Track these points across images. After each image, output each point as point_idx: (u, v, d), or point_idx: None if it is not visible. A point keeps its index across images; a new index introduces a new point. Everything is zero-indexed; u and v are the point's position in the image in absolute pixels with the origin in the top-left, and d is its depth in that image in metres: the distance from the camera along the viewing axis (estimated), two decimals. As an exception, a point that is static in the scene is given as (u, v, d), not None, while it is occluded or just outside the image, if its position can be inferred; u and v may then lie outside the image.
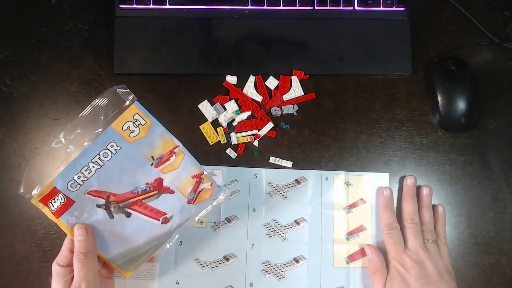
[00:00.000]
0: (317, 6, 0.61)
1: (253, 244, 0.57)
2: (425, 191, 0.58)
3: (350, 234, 0.58)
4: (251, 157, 0.60)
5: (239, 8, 0.61)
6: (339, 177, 0.59)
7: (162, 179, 0.52)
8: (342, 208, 0.58)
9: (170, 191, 0.52)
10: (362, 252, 0.57)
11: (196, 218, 0.54)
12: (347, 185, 0.59)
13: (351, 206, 0.59)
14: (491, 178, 0.60)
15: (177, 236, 0.52)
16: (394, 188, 0.59)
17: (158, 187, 0.52)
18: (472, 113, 0.60)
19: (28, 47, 0.62)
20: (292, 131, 0.61)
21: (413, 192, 0.57)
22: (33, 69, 0.61)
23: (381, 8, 0.61)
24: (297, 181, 0.59)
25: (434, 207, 0.58)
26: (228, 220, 0.57)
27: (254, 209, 0.58)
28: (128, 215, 0.51)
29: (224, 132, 0.60)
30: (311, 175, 0.59)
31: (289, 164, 0.60)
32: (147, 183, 0.52)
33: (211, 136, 0.60)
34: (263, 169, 0.59)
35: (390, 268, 0.54)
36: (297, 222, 0.57)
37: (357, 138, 0.61)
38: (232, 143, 0.60)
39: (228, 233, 0.57)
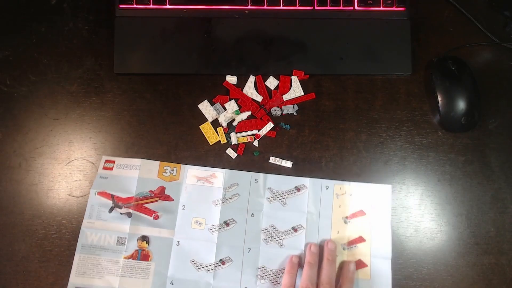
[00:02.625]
0: (317, 6, 0.61)
1: (250, 248, 0.57)
2: (330, 245, 0.56)
3: (348, 244, 0.57)
4: (251, 157, 0.60)
5: (239, 8, 0.61)
6: (340, 187, 0.59)
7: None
8: (341, 218, 0.58)
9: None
10: (359, 264, 0.57)
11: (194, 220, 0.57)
12: (347, 195, 0.59)
13: (351, 217, 0.58)
14: (491, 178, 0.60)
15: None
16: (396, 199, 0.59)
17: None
18: (472, 113, 0.60)
19: (28, 47, 0.62)
20: (292, 131, 0.61)
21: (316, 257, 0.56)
22: (33, 69, 0.62)
23: (381, 8, 0.61)
24: (297, 188, 0.58)
25: (346, 264, 0.56)
26: (227, 223, 0.57)
27: (252, 213, 0.58)
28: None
29: (224, 132, 0.60)
30: (312, 183, 0.58)
31: (289, 164, 0.60)
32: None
33: (211, 136, 0.60)
34: (264, 174, 0.59)
35: None
36: (294, 229, 0.57)
37: (357, 138, 0.61)
38: (232, 143, 0.60)
39: (226, 236, 0.57)
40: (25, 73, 0.61)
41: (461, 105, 0.59)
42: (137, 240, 0.56)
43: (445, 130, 0.61)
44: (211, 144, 0.60)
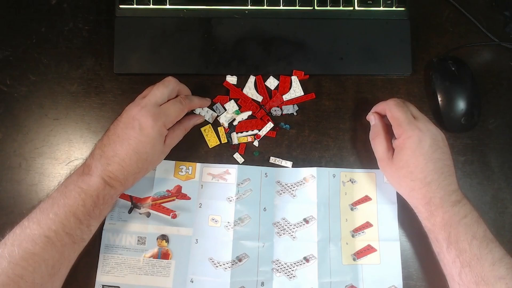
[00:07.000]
0: (317, 6, 0.61)
1: (264, 243, 0.57)
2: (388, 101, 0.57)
3: (356, 231, 0.58)
4: (251, 157, 0.60)
5: (239, 8, 0.61)
6: (345, 174, 0.59)
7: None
8: (347, 205, 0.59)
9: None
10: (368, 249, 0.57)
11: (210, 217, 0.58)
12: (352, 182, 0.59)
13: (356, 203, 0.59)
14: (491, 178, 0.60)
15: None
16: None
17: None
18: (472, 113, 0.60)
19: (28, 47, 0.62)
20: (292, 131, 0.61)
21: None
22: (33, 69, 0.61)
23: (381, 8, 0.61)
24: (305, 179, 0.59)
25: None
26: (241, 219, 0.57)
27: (265, 208, 0.58)
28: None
29: (225, 132, 0.60)
30: (319, 173, 0.59)
31: (289, 164, 0.60)
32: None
33: (211, 139, 0.60)
34: (273, 168, 0.59)
35: (404, 132, 0.52)
36: (306, 221, 0.58)
37: (357, 138, 0.61)
38: (233, 143, 0.60)
39: (241, 232, 0.57)
40: (25, 73, 0.61)
41: (461, 105, 0.59)
42: (157, 239, 0.57)
43: (445, 130, 0.61)
44: (210, 147, 0.60)
